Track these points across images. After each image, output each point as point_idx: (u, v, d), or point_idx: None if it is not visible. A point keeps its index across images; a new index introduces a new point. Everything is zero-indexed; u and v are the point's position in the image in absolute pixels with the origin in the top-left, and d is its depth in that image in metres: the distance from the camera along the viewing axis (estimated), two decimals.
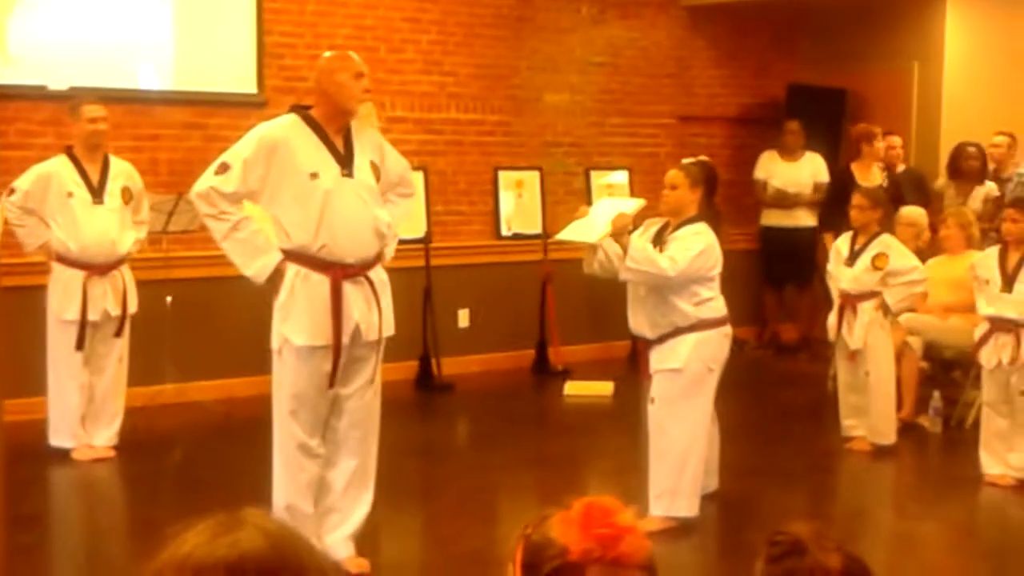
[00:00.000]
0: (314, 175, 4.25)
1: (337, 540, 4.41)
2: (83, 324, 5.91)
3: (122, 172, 6.15)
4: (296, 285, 4.27)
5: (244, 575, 1.22)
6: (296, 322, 4.28)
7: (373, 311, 4.35)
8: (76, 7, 6.97)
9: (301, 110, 4.46)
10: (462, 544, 4.90)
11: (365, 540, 4.55)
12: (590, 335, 8.68)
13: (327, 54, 4.57)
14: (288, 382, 4.33)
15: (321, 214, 4.24)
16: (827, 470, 6.32)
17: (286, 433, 4.36)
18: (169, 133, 7.30)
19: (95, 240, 5.94)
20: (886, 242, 6.28)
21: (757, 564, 1.66)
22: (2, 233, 5.58)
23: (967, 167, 8.17)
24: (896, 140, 8.65)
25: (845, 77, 9.50)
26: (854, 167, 8.33)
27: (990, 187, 8.14)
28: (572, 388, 7.77)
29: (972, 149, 8.22)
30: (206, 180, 4.30)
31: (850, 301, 6.27)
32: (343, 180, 4.29)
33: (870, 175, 8.24)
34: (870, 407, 6.30)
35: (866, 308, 6.22)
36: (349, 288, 4.29)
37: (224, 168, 4.27)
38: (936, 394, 6.79)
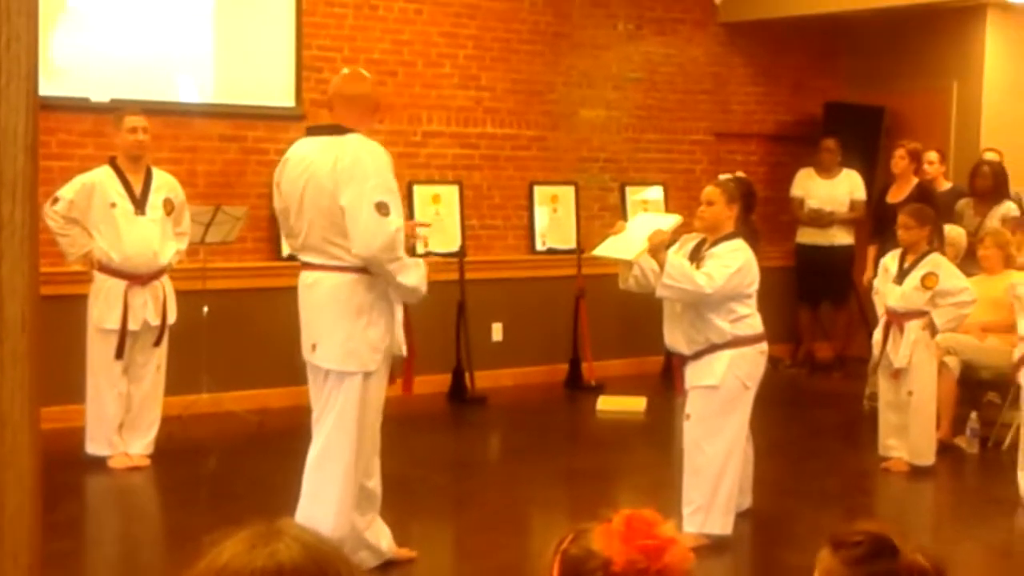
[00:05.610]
0: None
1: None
2: (123, 333, 5.95)
3: (164, 184, 6.20)
4: None
5: None
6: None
7: None
8: (118, 21, 7.05)
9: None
10: (493, 557, 4.89)
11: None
12: (623, 350, 8.66)
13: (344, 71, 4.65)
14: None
15: None
16: (863, 490, 6.27)
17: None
18: (208, 145, 7.37)
19: (137, 250, 5.99)
20: (936, 261, 6.17)
21: (825, 558, 1.64)
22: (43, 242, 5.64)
23: (979, 185, 7.93)
24: (932, 155, 8.30)
25: (883, 95, 9.45)
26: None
27: (1009, 206, 7.84)
28: (605, 403, 7.75)
29: (985, 168, 7.98)
30: None
31: (897, 319, 6.21)
32: None
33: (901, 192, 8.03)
34: (910, 427, 6.23)
35: (912, 327, 6.14)
36: None
37: None
38: (974, 415, 6.72)
